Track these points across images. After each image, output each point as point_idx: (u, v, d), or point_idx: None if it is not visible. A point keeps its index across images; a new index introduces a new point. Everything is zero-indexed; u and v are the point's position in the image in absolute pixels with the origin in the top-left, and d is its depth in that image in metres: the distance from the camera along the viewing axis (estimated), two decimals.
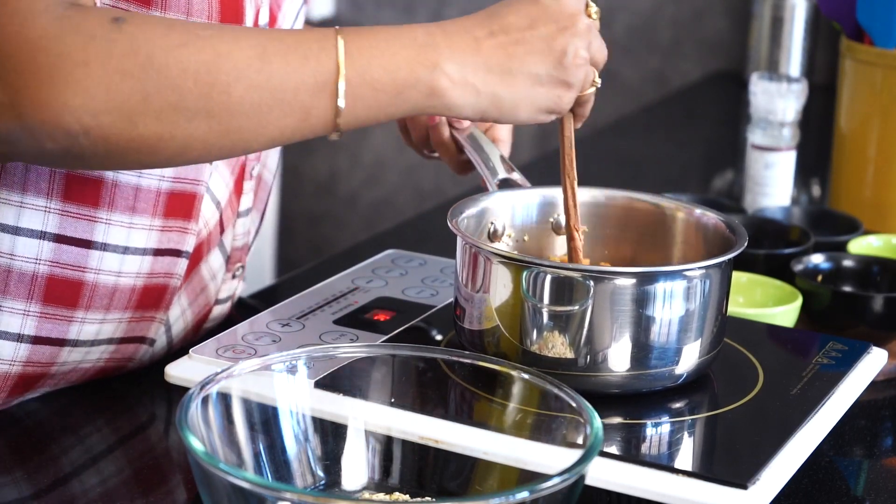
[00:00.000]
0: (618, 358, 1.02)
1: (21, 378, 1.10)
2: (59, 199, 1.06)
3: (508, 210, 1.15)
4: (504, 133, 1.23)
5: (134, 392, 1.17)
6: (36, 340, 1.09)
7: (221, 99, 0.94)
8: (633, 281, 1.01)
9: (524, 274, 1.02)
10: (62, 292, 1.08)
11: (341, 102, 0.97)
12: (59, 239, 1.07)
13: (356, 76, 0.97)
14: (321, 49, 0.97)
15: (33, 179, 1.05)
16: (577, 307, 1.01)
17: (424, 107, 1.00)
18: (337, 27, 0.99)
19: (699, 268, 1.03)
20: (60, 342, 1.10)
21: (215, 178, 1.15)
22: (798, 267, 1.34)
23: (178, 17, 1.00)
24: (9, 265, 1.06)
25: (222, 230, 1.19)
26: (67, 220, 1.07)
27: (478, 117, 1.02)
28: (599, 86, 1.07)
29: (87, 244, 1.07)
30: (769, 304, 1.29)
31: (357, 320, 1.16)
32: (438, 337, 1.13)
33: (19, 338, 1.08)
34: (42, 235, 1.06)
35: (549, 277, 1.01)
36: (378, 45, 0.98)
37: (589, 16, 1.06)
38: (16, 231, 1.06)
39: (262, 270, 2.64)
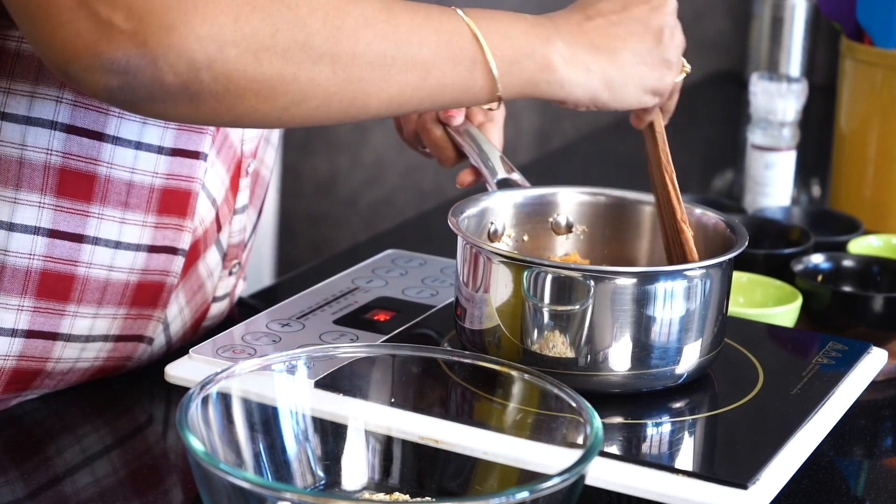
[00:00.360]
0: (618, 358, 1.02)
1: (15, 373, 1.10)
2: (52, 195, 1.06)
3: (508, 210, 1.15)
4: (496, 135, 1.23)
5: (133, 392, 1.17)
6: (29, 334, 1.09)
7: (348, 43, 0.93)
8: (633, 281, 1.01)
9: (525, 273, 1.02)
10: (55, 286, 1.08)
11: (465, 66, 0.98)
12: (53, 234, 1.07)
13: (479, 42, 0.98)
14: (442, 12, 0.98)
15: (27, 175, 1.05)
16: (577, 307, 1.01)
17: (538, 80, 1.01)
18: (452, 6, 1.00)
19: (700, 267, 1.03)
20: (53, 336, 1.10)
21: (211, 176, 1.15)
22: (798, 267, 1.34)
23: None
24: (3, 261, 1.06)
25: (219, 228, 1.19)
26: (61, 214, 1.07)
27: (588, 98, 1.03)
28: (689, 72, 1.09)
29: (79, 238, 1.08)
30: (769, 304, 1.29)
31: (357, 320, 1.16)
32: (438, 337, 1.13)
33: (13, 333, 1.09)
34: (36, 231, 1.06)
35: (549, 277, 1.01)
36: (494, 17, 1.00)
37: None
38: (10, 227, 1.06)
39: (262, 270, 2.64)
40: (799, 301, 1.27)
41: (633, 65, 1.04)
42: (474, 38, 0.98)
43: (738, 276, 1.32)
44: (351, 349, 0.99)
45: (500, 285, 1.03)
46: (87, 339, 1.12)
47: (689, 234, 1.11)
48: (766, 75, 1.62)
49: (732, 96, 2.41)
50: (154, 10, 0.87)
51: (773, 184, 1.60)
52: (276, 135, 1.28)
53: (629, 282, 1.01)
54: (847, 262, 1.37)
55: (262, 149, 1.25)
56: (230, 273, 1.24)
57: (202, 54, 0.89)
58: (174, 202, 1.11)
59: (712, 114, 2.44)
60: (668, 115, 1.13)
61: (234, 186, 1.19)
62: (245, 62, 0.90)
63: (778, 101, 1.58)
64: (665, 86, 1.06)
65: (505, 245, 1.15)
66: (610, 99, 1.04)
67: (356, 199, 2.91)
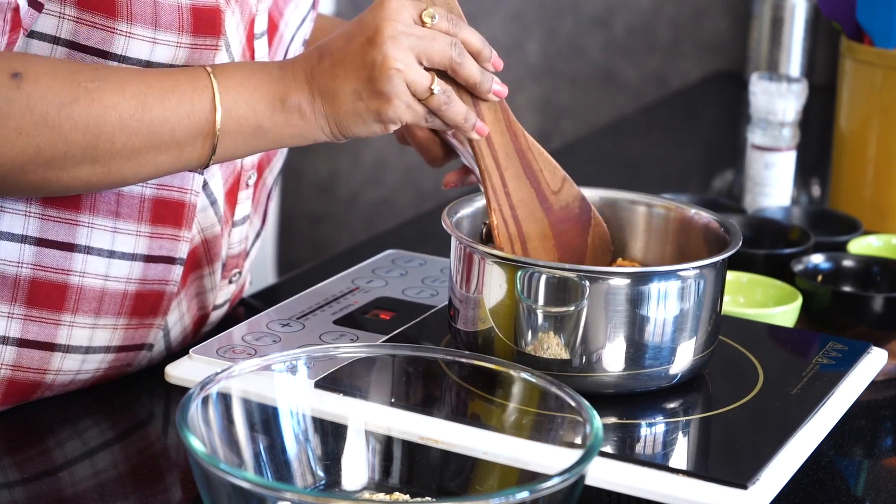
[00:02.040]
0: (613, 358, 1.02)
1: (12, 384, 1.10)
2: (38, 204, 1.07)
3: None
4: None
5: (133, 392, 1.17)
6: (22, 343, 1.09)
7: (106, 147, 1.02)
8: (627, 281, 1.01)
9: (518, 274, 1.02)
10: (47, 295, 1.08)
11: (212, 140, 1.04)
12: (41, 242, 1.07)
13: (225, 115, 1.04)
14: (194, 90, 1.04)
15: None
16: (571, 308, 1.01)
17: (282, 137, 1.06)
18: (209, 66, 1.05)
19: (693, 268, 1.03)
20: (50, 346, 1.10)
21: (216, 186, 1.15)
22: (798, 267, 1.34)
23: (70, 63, 1.04)
24: None
25: (222, 238, 1.19)
26: (48, 223, 1.07)
27: (325, 139, 1.07)
28: (439, 92, 1.05)
29: (69, 247, 1.08)
30: (769, 304, 1.29)
31: (357, 320, 1.16)
32: (438, 337, 1.13)
33: (5, 340, 1.09)
34: (23, 239, 1.07)
35: (543, 278, 1.01)
36: (237, 89, 1.04)
37: (422, 21, 1.05)
38: None
39: (262, 270, 2.64)
40: (799, 301, 1.27)
41: (350, 103, 1.05)
42: (212, 113, 1.04)
43: (739, 276, 1.32)
44: (351, 349, 0.99)
45: (494, 286, 1.03)
46: (88, 350, 1.12)
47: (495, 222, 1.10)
48: (766, 75, 1.61)
49: (732, 96, 2.41)
50: None
51: (773, 184, 1.60)
52: None
53: (623, 282, 1.01)
54: (847, 262, 1.37)
55: (277, 159, 1.25)
56: (230, 282, 1.24)
57: None
58: (168, 212, 1.11)
59: (712, 114, 2.44)
60: (460, 129, 1.08)
61: (230, 199, 1.19)
62: (12, 174, 1.01)
63: (778, 101, 1.58)
64: (388, 117, 1.05)
65: None
66: (341, 136, 1.07)
67: (356, 199, 2.91)
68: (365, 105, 1.04)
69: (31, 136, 0.99)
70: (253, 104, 1.04)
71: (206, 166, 1.06)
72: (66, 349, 1.11)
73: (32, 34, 1.03)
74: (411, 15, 1.05)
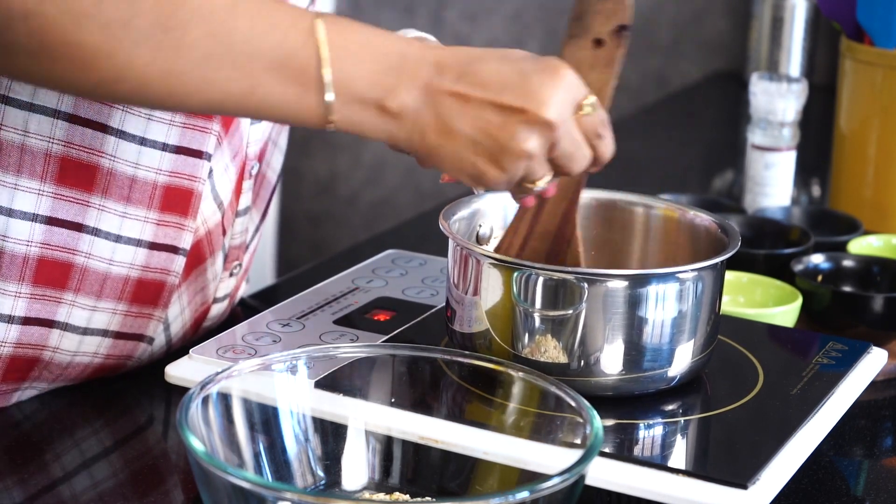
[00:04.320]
0: (611, 361, 1.02)
1: (13, 361, 1.11)
2: (52, 183, 1.06)
3: (499, 213, 1.15)
4: None
5: (133, 392, 1.17)
6: (25, 321, 1.09)
7: (175, 35, 0.88)
8: (625, 283, 1.01)
9: (515, 276, 1.02)
10: (51, 273, 1.08)
11: (293, 88, 0.92)
12: (51, 221, 1.07)
13: (320, 69, 0.91)
14: (292, 25, 0.91)
15: (28, 162, 1.05)
16: (569, 310, 1.01)
17: (371, 125, 0.95)
18: (319, 12, 0.94)
19: (692, 270, 1.03)
20: (49, 323, 1.10)
21: (221, 178, 1.15)
22: (798, 267, 1.34)
23: None
24: (1, 247, 1.06)
25: (224, 231, 1.19)
26: (60, 202, 1.07)
27: (409, 151, 0.97)
28: (541, 189, 0.98)
29: (77, 227, 1.08)
30: (769, 304, 1.29)
31: (357, 320, 1.16)
32: (438, 337, 1.13)
33: (10, 319, 1.09)
34: (34, 218, 1.07)
35: (540, 280, 1.01)
36: (352, 39, 0.93)
37: (579, 107, 0.97)
38: (9, 213, 1.06)
39: (262, 270, 2.64)
40: (799, 301, 1.27)
41: (461, 147, 0.94)
42: (317, 63, 0.92)
43: (739, 276, 1.32)
44: (351, 349, 0.99)
45: (490, 288, 1.03)
46: (86, 331, 1.12)
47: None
48: (766, 75, 1.61)
49: (732, 96, 2.41)
50: None
51: (773, 184, 1.60)
52: (283, 138, 1.28)
53: (621, 284, 1.01)
54: (847, 262, 1.37)
55: (270, 152, 1.25)
56: (231, 274, 1.24)
57: (19, 4, 0.86)
58: (177, 200, 1.11)
59: (712, 114, 2.44)
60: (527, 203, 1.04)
61: (237, 189, 1.19)
62: (63, 24, 0.86)
63: (778, 101, 1.58)
64: (488, 184, 0.96)
65: (493, 248, 1.15)
66: (425, 161, 0.96)
67: (356, 199, 2.91)
68: (472, 161, 0.95)
69: None
70: (365, 80, 0.92)
71: (325, 127, 0.93)
72: (65, 327, 1.11)
73: (33, 108, 1.02)
74: (575, 98, 0.95)
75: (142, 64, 0.89)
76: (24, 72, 0.92)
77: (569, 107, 0.96)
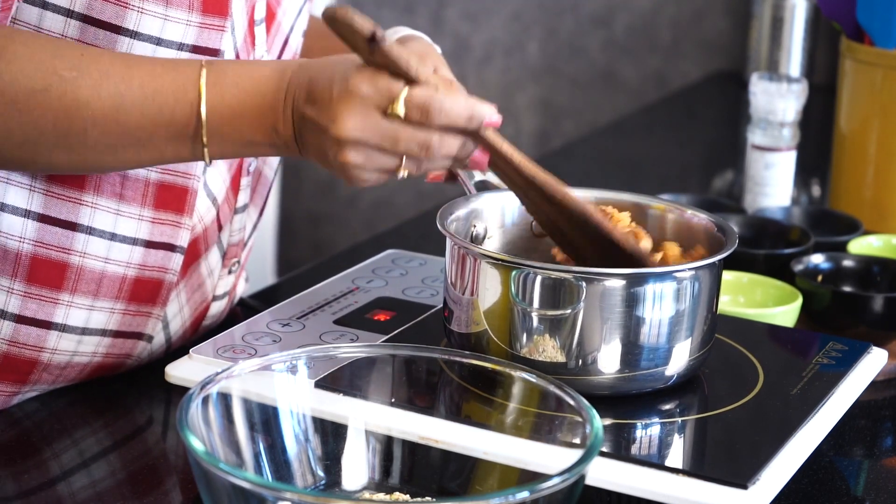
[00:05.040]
0: (608, 360, 1.02)
1: (9, 361, 1.11)
2: (43, 179, 1.07)
3: (494, 212, 1.15)
4: None
5: (133, 392, 1.17)
6: (20, 319, 1.09)
7: (79, 139, 1.01)
8: (623, 282, 1.01)
9: (513, 275, 1.02)
10: (47, 273, 1.09)
11: (195, 148, 1.03)
12: (44, 219, 1.08)
13: (210, 128, 1.02)
14: (176, 101, 1.02)
15: None
16: (567, 310, 1.01)
17: (252, 153, 1.05)
18: (203, 62, 1.02)
19: (689, 269, 1.03)
20: (47, 324, 1.10)
21: (213, 175, 1.15)
22: (798, 267, 1.34)
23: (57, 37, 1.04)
24: None
25: (220, 227, 1.19)
26: (52, 200, 1.07)
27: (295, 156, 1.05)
28: (408, 172, 1.02)
29: (71, 226, 1.08)
30: (769, 304, 1.29)
31: (357, 320, 1.16)
32: (438, 337, 1.13)
33: (3, 314, 1.09)
34: (26, 214, 1.07)
35: (538, 279, 1.01)
36: (231, 89, 1.02)
37: (394, 112, 0.99)
38: (1, 207, 1.06)
39: (262, 270, 2.64)
40: (799, 301, 1.27)
41: (323, 161, 1.02)
42: (197, 126, 1.02)
43: (739, 276, 1.32)
44: (351, 349, 0.99)
45: (488, 288, 1.03)
46: (84, 331, 1.12)
47: (619, 230, 1.09)
48: (766, 75, 1.62)
49: (732, 96, 2.41)
50: None
51: (773, 184, 1.60)
52: None
53: (619, 283, 1.01)
54: (847, 262, 1.37)
55: None
56: (229, 272, 1.24)
57: None
58: (171, 198, 1.11)
59: (712, 114, 2.44)
60: (475, 165, 1.05)
61: (234, 185, 1.19)
62: None
63: (778, 101, 1.58)
64: (353, 179, 1.02)
65: (489, 248, 1.15)
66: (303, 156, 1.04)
67: (356, 199, 2.91)
68: (334, 172, 1.02)
69: (2, 116, 0.99)
70: (241, 130, 1.02)
71: (205, 162, 1.04)
72: (63, 328, 1.11)
73: (46, 5, 1.03)
74: (377, 103, 0.99)
75: (62, 162, 1.03)
76: None
77: (369, 116, 0.99)
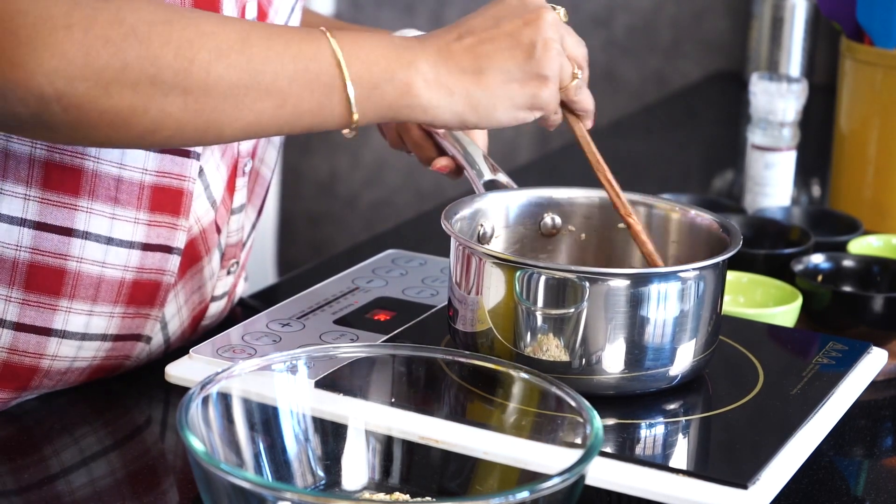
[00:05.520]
0: (612, 360, 1.02)
1: (9, 368, 1.10)
2: (38, 187, 1.06)
3: (500, 212, 1.15)
4: (480, 136, 1.22)
5: (132, 392, 1.17)
6: (19, 327, 1.09)
7: (200, 76, 0.94)
8: (627, 282, 1.01)
9: (518, 275, 1.02)
10: (44, 280, 1.08)
11: (322, 92, 0.98)
12: (40, 226, 1.07)
13: (341, 69, 0.98)
14: (305, 37, 0.98)
15: (13, 166, 1.05)
16: (571, 309, 1.01)
17: (399, 106, 1.00)
18: (322, 28, 1.00)
19: (693, 269, 1.03)
20: (46, 331, 1.10)
21: (213, 176, 1.15)
22: (798, 267, 1.34)
23: None
24: None
25: (219, 229, 1.19)
26: (47, 207, 1.07)
27: (456, 121, 1.02)
28: (581, 78, 1.07)
29: (67, 232, 1.08)
30: (769, 304, 1.29)
31: (357, 320, 1.16)
32: (438, 337, 1.13)
33: (2, 323, 1.09)
34: (22, 222, 1.07)
35: (542, 279, 1.01)
36: (358, 41, 0.99)
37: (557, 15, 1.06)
38: None
39: (262, 270, 2.64)
40: (799, 301, 1.27)
41: (501, 84, 1.02)
42: (336, 64, 0.98)
43: (739, 276, 1.32)
44: (351, 349, 0.99)
45: (493, 288, 1.03)
46: (84, 336, 1.12)
47: (638, 227, 1.11)
48: (766, 75, 1.62)
49: (732, 96, 2.41)
50: (4, 43, 0.90)
51: (773, 184, 1.60)
52: None
53: (623, 283, 1.01)
54: (847, 262, 1.37)
55: (263, 148, 1.24)
56: (228, 272, 1.24)
57: (51, 89, 0.91)
58: (166, 200, 1.11)
59: (712, 114, 2.44)
60: (588, 116, 1.12)
61: (230, 186, 1.19)
62: (95, 95, 0.92)
63: (778, 101, 1.58)
64: (542, 100, 1.04)
65: (495, 247, 1.15)
66: (479, 120, 1.03)
67: (356, 199, 2.91)
68: (519, 87, 1.03)
69: (119, 47, 0.91)
70: (369, 62, 0.99)
71: (348, 127, 1.00)
72: (63, 335, 1.11)
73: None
74: (545, 2, 1.05)
75: (175, 111, 0.95)
76: (66, 140, 0.98)
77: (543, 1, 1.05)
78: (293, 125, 0.99)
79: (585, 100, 1.10)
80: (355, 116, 0.99)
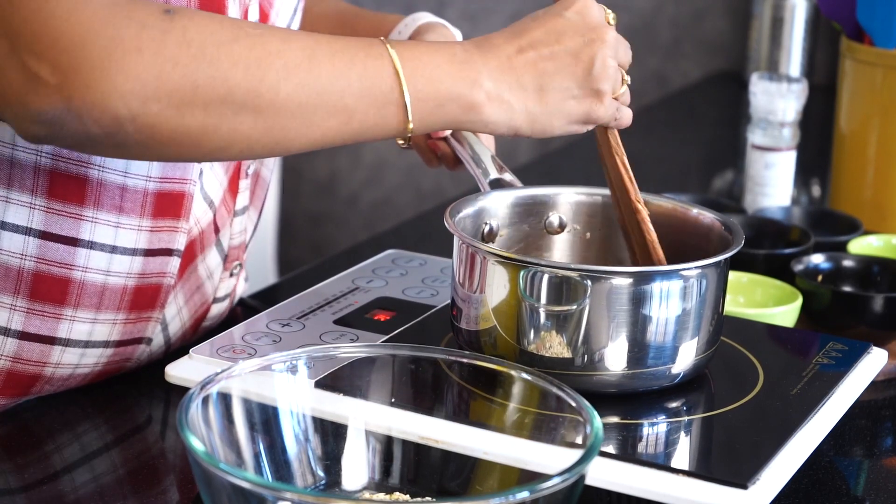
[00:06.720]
0: (615, 357, 1.02)
1: (12, 376, 1.10)
2: (43, 196, 1.06)
3: (504, 210, 1.15)
4: (486, 135, 1.23)
5: (132, 392, 1.17)
6: (23, 336, 1.09)
7: (269, 96, 0.96)
8: (629, 280, 1.01)
9: (521, 274, 1.02)
10: (49, 289, 1.08)
11: (385, 109, 1.00)
12: (45, 236, 1.07)
13: (401, 84, 1.00)
14: (368, 55, 0.99)
15: (18, 175, 1.05)
16: (574, 307, 1.01)
17: (462, 121, 1.03)
18: (382, 38, 1.01)
19: (696, 267, 1.03)
20: (51, 340, 1.10)
21: (209, 177, 1.15)
22: (798, 267, 1.34)
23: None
24: None
25: (217, 229, 1.19)
26: (53, 216, 1.07)
27: (510, 133, 1.05)
28: (630, 83, 1.09)
29: (73, 242, 1.08)
30: (769, 304, 1.29)
31: (357, 320, 1.16)
32: (438, 337, 1.13)
33: (6, 332, 1.09)
34: (28, 231, 1.07)
35: (546, 277, 1.01)
36: (422, 58, 1.01)
37: (608, 23, 1.08)
38: (2, 226, 1.06)
39: (262, 270, 2.64)
40: (799, 301, 1.27)
41: (560, 101, 1.05)
42: (397, 82, 1.00)
43: (739, 276, 1.32)
44: (351, 349, 0.99)
45: (497, 286, 1.03)
46: (87, 344, 1.12)
47: (644, 213, 1.12)
48: (766, 75, 1.62)
49: (732, 96, 2.41)
50: (79, 66, 0.91)
51: (773, 184, 1.60)
52: None
53: (625, 282, 1.01)
54: (847, 262, 1.37)
55: None
56: (231, 274, 1.24)
57: (125, 110, 0.92)
58: (169, 205, 1.11)
59: (712, 114, 2.44)
60: (624, 124, 1.12)
61: (233, 188, 1.19)
62: (168, 115, 0.93)
63: (778, 101, 1.58)
64: (597, 115, 1.07)
65: (499, 245, 1.15)
66: (533, 132, 1.05)
67: (356, 199, 2.91)
68: (576, 103, 1.05)
69: (189, 68, 0.93)
70: (434, 81, 1.01)
71: (404, 136, 1.02)
72: (66, 343, 1.11)
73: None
74: (603, 15, 1.08)
75: (246, 129, 0.97)
76: (137, 157, 0.99)
77: (601, 14, 1.09)
78: (356, 138, 1.02)
79: (626, 98, 1.11)
80: (411, 126, 1.02)
